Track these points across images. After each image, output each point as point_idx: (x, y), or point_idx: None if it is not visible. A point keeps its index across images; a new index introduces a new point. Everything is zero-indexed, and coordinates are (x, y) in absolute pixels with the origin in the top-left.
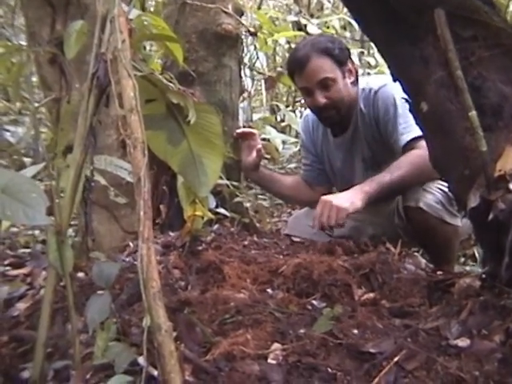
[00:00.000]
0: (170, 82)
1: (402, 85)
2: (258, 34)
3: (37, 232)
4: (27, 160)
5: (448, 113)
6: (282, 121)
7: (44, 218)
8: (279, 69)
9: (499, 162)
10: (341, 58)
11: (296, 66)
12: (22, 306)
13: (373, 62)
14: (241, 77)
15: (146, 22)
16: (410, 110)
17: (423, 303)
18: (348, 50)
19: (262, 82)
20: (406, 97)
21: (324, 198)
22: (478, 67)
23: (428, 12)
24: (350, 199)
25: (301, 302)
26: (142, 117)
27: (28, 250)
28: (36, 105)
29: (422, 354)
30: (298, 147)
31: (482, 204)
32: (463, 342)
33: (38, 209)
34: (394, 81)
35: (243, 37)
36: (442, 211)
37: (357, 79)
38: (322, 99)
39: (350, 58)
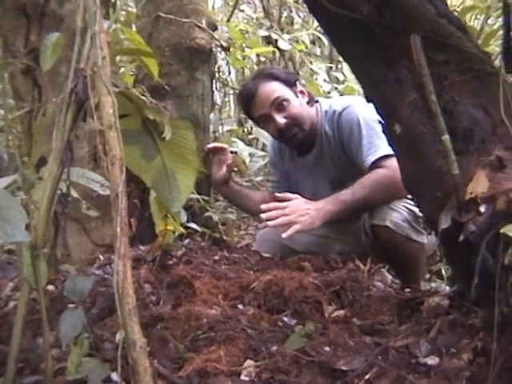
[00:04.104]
0: (143, 95)
1: (375, 106)
2: (231, 48)
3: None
4: None
5: (421, 135)
6: (250, 133)
7: (24, 234)
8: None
9: (470, 185)
10: (288, 80)
11: (248, 98)
12: None
13: (341, 77)
14: (213, 91)
15: (122, 36)
16: (383, 132)
17: (393, 321)
18: (294, 74)
19: (231, 94)
20: (377, 117)
21: (296, 203)
22: (451, 91)
23: (403, 35)
24: (310, 218)
25: (272, 319)
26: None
27: None
28: (9, 116)
29: (393, 372)
30: (266, 161)
31: (452, 225)
32: (432, 361)
33: (18, 225)
34: (368, 102)
35: (215, 51)
36: (408, 229)
37: (313, 100)
38: (281, 119)
39: (300, 81)
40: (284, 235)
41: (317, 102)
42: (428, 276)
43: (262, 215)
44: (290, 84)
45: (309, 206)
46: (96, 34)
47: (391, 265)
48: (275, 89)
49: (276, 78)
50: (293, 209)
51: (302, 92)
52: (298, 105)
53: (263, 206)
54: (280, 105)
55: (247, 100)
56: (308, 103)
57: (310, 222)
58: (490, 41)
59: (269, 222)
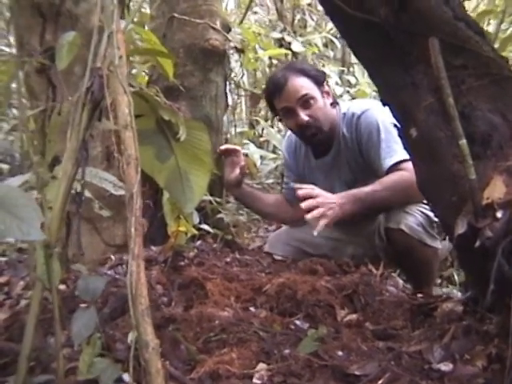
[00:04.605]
0: (157, 96)
1: (391, 110)
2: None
3: (13, 240)
4: (4, 167)
5: (437, 139)
6: (261, 136)
7: (39, 233)
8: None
9: (487, 190)
10: (318, 79)
11: (275, 88)
12: (0, 316)
13: (353, 81)
14: (226, 93)
15: (137, 36)
16: (399, 135)
17: (406, 326)
18: (324, 73)
19: (242, 96)
20: (394, 122)
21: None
22: (468, 96)
23: (420, 39)
24: (334, 212)
25: (284, 322)
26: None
27: (5, 259)
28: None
29: (406, 378)
30: (277, 163)
31: (468, 231)
32: (446, 367)
33: (33, 224)
34: (384, 105)
35: (229, 52)
36: (422, 233)
37: (335, 102)
38: (304, 116)
39: (326, 81)
40: (315, 233)
41: (337, 103)
42: (439, 281)
43: (302, 205)
44: (319, 83)
45: (333, 200)
46: (113, 33)
47: (403, 269)
48: (305, 85)
49: (307, 74)
50: (323, 200)
51: (327, 93)
52: (322, 105)
53: (300, 192)
54: (306, 101)
55: (274, 89)
56: (331, 105)
57: (334, 216)
58: (508, 45)
59: (307, 216)
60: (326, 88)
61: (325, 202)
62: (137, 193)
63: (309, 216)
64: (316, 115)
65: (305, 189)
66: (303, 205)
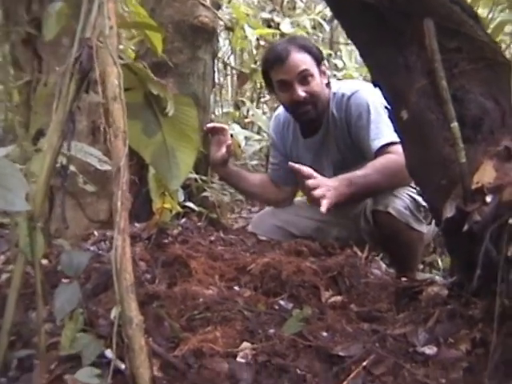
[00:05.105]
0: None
1: (382, 91)
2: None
3: None
4: None
5: (428, 122)
6: (246, 117)
7: (23, 203)
8: (253, 65)
9: (476, 174)
10: (317, 57)
11: (276, 59)
12: None
13: (340, 65)
14: (214, 71)
15: (125, 9)
16: (390, 117)
17: (391, 309)
18: (321, 52)
19: (229, 75)
20: (384, 103)
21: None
22: (461, 79)
23: (415, 19)
24: (332, 195)
25: (268, 302)
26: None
27: None
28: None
29: (390, 360)
30: (261, 145)
31: (457, 215)
32: (430, 350)
33: (18, 194)
34: (375, 87)
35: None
36: (409, 217)
37: (329, 82)
38: (301, 92)
39: (324, 61)
40: (323, 209)
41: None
42: (422, 267)
43: (309, 182)
44: (318, 61)
45: (330, 183)
46: (104, 2)
47: (388, 252)
48: (306, 61)
49: (308, 51)
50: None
51: (324, 72)
52: (319, 83)
53: (302, 168)
54: (304, 77)
55: (274, 60)
56: (326, 85)
57: (334, 198)
58: (500, 33)
59: (314, 192)
60: (323, 68)
61: (324, 183)
62: (124, 166)
63: (316, 192)
64: (313, 92)
65: (304, 169)
66: (310, 182)
